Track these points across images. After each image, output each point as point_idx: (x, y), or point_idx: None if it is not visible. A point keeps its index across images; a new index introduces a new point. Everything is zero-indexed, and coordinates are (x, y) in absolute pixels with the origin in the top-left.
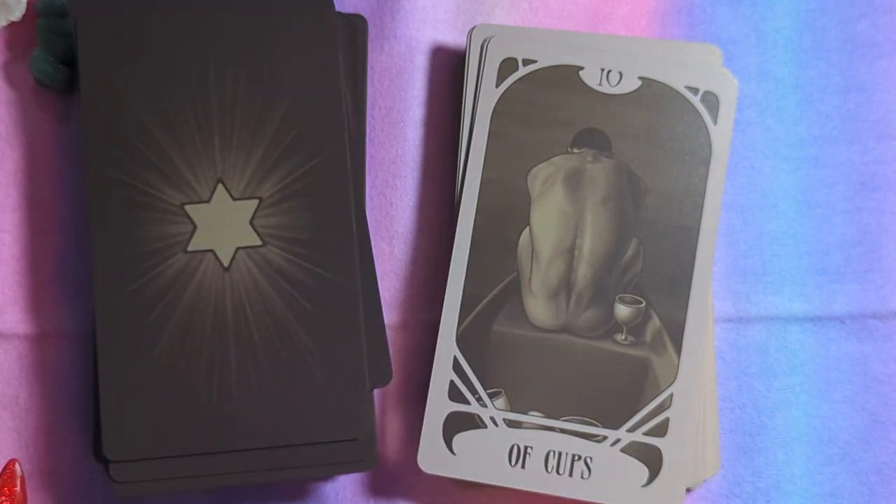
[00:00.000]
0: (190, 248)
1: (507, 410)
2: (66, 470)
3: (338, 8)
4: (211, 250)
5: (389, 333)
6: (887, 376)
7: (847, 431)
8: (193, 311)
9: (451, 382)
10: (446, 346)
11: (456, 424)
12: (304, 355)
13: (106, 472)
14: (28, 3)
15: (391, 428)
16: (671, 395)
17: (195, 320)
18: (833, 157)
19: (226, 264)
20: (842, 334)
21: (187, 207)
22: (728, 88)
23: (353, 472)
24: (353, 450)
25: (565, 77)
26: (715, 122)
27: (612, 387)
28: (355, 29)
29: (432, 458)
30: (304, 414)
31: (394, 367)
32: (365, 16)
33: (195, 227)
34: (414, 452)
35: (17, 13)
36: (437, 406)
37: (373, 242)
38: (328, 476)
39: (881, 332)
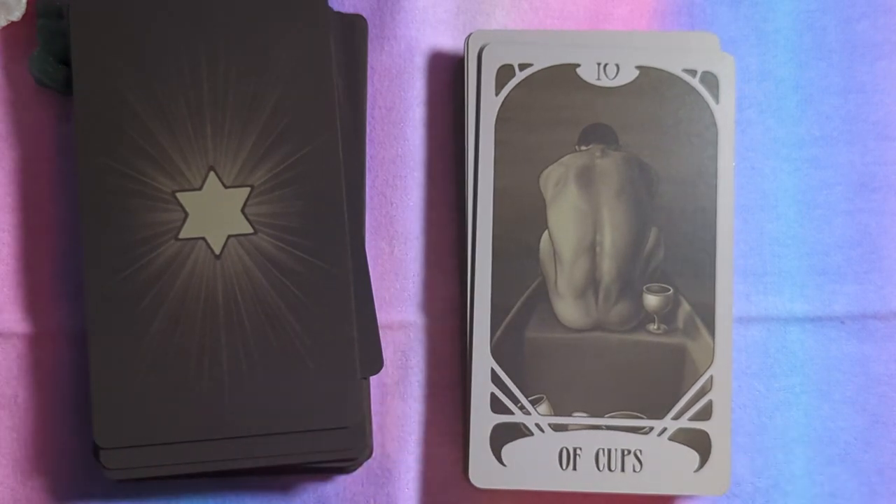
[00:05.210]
0: (181, 236)
1: (551, 415)
2: (64, 469)
3: (338, 8)
4: (202, 238)
5: (389, 333)
6: (887, 376)
7: (847, 432)
8: (184, 299)
9: (492, 395)
10: (482, 360)
11: (502, 436)
12: (294, 343)
13: (96, 458)
14: (28, 3)
15: (386, 425)
16: (711, 378)
17: (186, 308)
18: (833, 157)
19: (217, 252)
20: (842, 334)
21: (179, 195)
22: (725, 66)
23: (344, 459)
24: (343, 438)
25: (563, 76)
26: (717, 101)
27: (652, 377)
28: (355, 28)
29: (484, 472)
30: (294, 402)
31: (393, 366)
32: (365, 16)
33: (187, 215)
34: (407, 449)
35: (17, 13)
36: (481, 420)
37: (373, 242)
38: (315, 461)
39: (881, 333)
